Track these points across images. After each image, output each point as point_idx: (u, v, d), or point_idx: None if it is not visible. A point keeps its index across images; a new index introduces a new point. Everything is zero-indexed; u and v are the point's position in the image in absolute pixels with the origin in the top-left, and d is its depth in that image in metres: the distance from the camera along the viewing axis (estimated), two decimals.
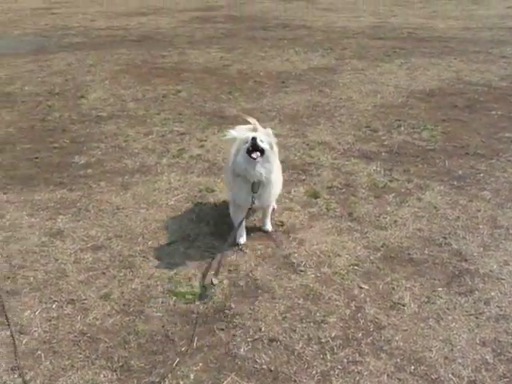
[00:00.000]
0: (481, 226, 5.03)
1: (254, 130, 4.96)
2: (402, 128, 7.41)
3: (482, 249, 4.69)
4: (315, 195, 5.63)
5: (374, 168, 6.22)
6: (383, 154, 6.61)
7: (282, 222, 5.16)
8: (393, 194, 5.63)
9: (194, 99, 9.03)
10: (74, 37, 15.10)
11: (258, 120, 5.43)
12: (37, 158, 6.84)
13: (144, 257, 4.67)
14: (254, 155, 4.44)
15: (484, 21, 15.44)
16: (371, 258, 4.59)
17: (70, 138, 7.48)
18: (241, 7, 20.36)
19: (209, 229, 5.08)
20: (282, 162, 6.16)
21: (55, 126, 7.96)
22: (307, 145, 6.91)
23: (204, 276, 4.37)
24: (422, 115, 7.91)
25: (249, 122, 5.28)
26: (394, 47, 12.37)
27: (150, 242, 4.88)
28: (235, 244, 4.80)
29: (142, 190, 5.86)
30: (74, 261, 4.64)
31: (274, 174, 4.66)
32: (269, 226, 5.06)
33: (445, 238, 4.86)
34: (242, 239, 4.87)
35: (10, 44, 14.45)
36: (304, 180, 5.98)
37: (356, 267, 4.46)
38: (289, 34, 14.39)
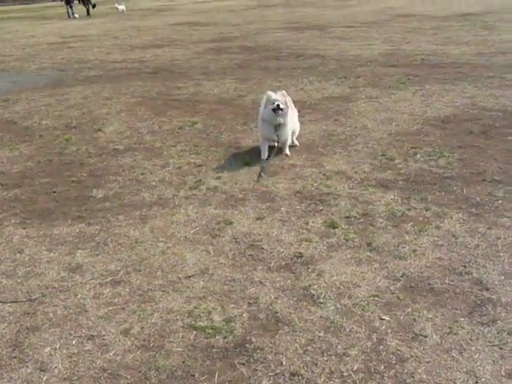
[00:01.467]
0: (501, 254, 4.97)
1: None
2: (418, 156, 7.39)
3: (503, 277, 4.62)
4: (333, 225, 5.60)
5: (392, 197, 6.19)
6: (400, 182, 6.58)
7: (300, 253, 5.13)
8: (411, 223, 5.60)
9: (210, 130, 9.08)
10: (90, 70, 15.32)
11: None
12: (55, 191, 6.88)
13: (163, 291, 4.65)
14: (277, 112, 7.09)
15: (497, 46, 15.44)
16: (391, 288, 4.55)
17: (88, 171, 7.54)
18: (254, 37, 20.55)
19: (227, 261, 5.06)
20: (298, 192, 6.29)
21: (73, 160, 8.03)
22: (324, 174, 6.90)
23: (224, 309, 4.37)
24: (438, 142, 7.88)
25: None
26: (408, 74, 12.39)
27: (168, 276, 4.87)
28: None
29: (159, 223, 5.88)
30: (94, 296, 4.65)
31: (288, 120, 7.24)
32: (287, 151, 7.63)
33: (465, 266, 4.80)
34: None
35: (27, 79, 14.66)
36: (321, 210, 5.96)
37: (376, 298, 4.42)
38: (302, 64, 14.48)
